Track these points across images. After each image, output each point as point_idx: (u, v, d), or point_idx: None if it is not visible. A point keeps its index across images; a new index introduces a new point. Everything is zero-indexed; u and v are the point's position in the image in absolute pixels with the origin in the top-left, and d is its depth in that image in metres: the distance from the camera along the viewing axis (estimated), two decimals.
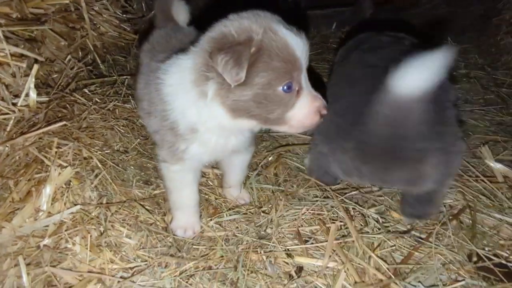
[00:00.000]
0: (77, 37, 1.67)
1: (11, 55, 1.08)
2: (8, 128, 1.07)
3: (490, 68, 2.28)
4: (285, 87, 0.86)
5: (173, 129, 0.96)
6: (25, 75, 1.11)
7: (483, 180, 1.31)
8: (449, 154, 1.02)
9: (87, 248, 0.93)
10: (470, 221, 1.17)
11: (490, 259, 1.05)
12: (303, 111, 0.90)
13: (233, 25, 0.87)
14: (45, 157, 1.04)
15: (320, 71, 2.33)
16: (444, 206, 1.23)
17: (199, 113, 0.92)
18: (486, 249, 1.09)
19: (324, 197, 1.24)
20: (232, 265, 1.01)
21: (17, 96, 1.14)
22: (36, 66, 1.08)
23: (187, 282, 0.94)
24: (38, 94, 1.16)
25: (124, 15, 2.15)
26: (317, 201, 1.21)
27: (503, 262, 1.05)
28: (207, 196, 1.26)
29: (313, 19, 3.19)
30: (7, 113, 1.07)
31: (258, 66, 0.83)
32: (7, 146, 1.03)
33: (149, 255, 0.99)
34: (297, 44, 0.85)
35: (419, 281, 0.98)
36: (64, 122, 1.11)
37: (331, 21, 3.16)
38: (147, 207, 1.15)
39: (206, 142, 0.98)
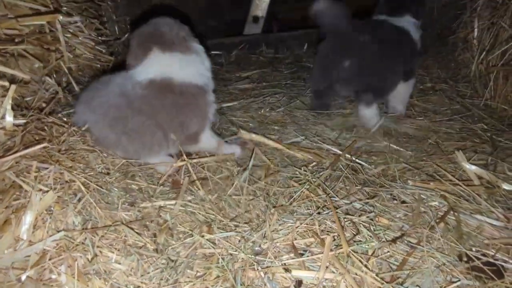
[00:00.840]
0: (52, 59, 1.61)
1: None
2: None
3: (452, 81, 2.46)
4: None
5: None
6: (1, 96, 1.05)
7: (460, 184, 1.38)
8: None
9: (74, 278, 0.86)
10: (456, 223, 1.22)
11: (478, 259, 1.08)
12: None
13: None
14: (24, 181, 0.97)
15: (297, 88, 2.40)
16: (430, 210, 1.28)
17: None
18: (474, 249, 1.14)
19: (317, 207, 1.25)
20: (230, 284, 0.97)
21: None
22: (13, 87, 1.02)
23: None
24: (14, 117, 1.10)
25: (99, 37, 2.12)
26: (311, 214, 1.21)
27: (491, 260, 1.09)
28: (197, 214, 1.22)
29: (285, 41, 3.32)
30: None
31: None
32: None
33: (142, 280, 0.93)
34: None
35: (417, 285, 1.00)
36: (44, 144, 1.05)
37: (302, 42, 3.31)
38: (135, 230, 1.10)
39: None
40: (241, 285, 0.97)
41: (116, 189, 1.23)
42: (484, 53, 2.21)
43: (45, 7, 1.51)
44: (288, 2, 4.50)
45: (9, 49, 1.20)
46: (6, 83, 0.99)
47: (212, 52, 3.27)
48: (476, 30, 2.39)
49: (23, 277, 0.82)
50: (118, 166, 1.31)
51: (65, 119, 1.37)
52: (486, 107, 2.12)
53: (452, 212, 1.26)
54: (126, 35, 2.97)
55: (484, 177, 1.43)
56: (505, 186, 1.38)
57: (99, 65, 2.12)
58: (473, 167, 1.45)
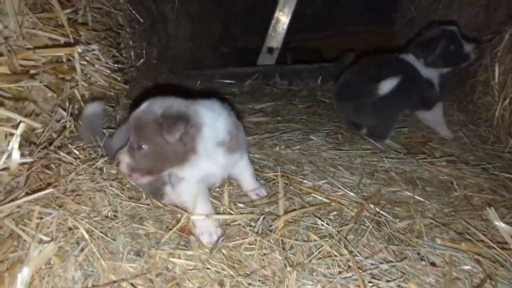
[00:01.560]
0: (66, 88, 1.57)
1: None
2: None
3: (473, 125, 2.38)
4: None
5: None
6: (9, 134, 0.98)
7: (495, 247, 1.26)
8: None
9: None
10: None
11: None
12: None
13: None
14: (24, 231, 0.88)
15: (313, 124, 2.34)
16: (464, 276, 1.16)
17: None
18: None
19: (338, 266, 1.13)
20: None
21: None
22: (22, 126, 0.96)
23: None
24: (21, 155, 1.02)
25: (116, 65, 2.09)
26: (332, 275, 1.09)
27: None
28: (208, 268, 1.11)
29: (300, 73, 3.30)
30: None
31: None
32: None
33: None
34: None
35: None
36: (50, 190, 0.97)
37: (317, 75, 3.28)
38: (139, 287, 0.99)
39: None
40: None
41: (122, 236, 1.13)
42: (507, 99, 2.14)
43: (65, 37, 1.48)
44: (301, 33, 4.58)
45: (23, 82, 1.14)
46: (17, 117, 0.92)
47: (225, 81, 3.26)
48: (497, 74, 2.33)
49: None
50: (127, 208, 1.22)
51: (76, 152, 1.30)
52: (501, 156, 2.02)
53: (489, 280, 1.14)
54: (141, 61, 2.98)
55: None
56: None
57: (113, 93, 2.08)
58: (508, 227, 1.34)
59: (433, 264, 1.22)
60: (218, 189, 1.52)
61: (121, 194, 1.28)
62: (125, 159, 1.14)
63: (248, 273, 1.12)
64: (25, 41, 1.21)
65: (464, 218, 1.44)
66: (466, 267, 1.21)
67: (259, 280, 1.10)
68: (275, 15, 3.56)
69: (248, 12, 5.06)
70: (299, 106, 2.65)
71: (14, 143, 0.96)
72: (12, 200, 0.89)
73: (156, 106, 1.19)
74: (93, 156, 1.41)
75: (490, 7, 3.02)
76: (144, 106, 1.21)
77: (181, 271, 1.08)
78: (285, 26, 3.60)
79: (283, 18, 3.65)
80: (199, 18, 4.22)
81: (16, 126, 0.95)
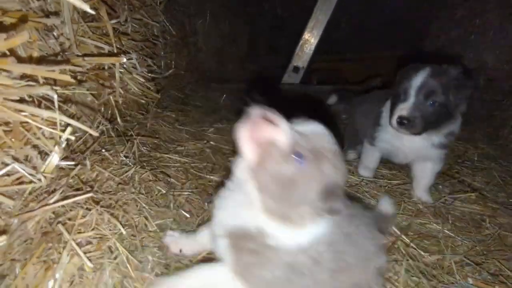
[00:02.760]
0: (105, 94, 1.61)
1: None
2: (25, 197, 0.93)
3: (502, 160, 2.32)
4: None
5: None
6: (50, 137, 1.00)
7: None
8: None
9: None
10: None
11: None
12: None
13: None
14: (58, 237, 0.89)
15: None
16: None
17: None
18: None
19: None
20: None
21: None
22: (69, 129, 0.98)
23: None
24: (63, 158, 1.05)
25: (150, 74, 2.15)
26: None
27: None
28: None
29: (324, 93, 3.31)
30: (31, 181, 0.93)
31: None
32: (19, 219, 0.88)
33: None
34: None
35: None
36: (91, 194, 0.98)
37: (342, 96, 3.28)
38: None
39: None
40: None
41: (151, 246, 1.13)
42: None
43: (109, 45, 1.53)
44: (326, 55, 4.62)
45: (71, 88, 1.19)
46: (68, 120, 0.94)
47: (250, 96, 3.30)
48: None
49: None
50: (156, 222, 1.22)
51: (111, 162, 1.32)
52: None
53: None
54: (171, 71, 3.05)
55: None
56: None
57: (144, 101, 2.13)
58: None
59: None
60: None
61: (149, 204, 1.29)
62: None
63: None
64: (77, 49, 1.26)
65: (497, 258, 1.38)
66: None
67: None
68: (304, 36, 3.61)
69: (275, 32, 5.17)
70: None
71: (60, 145, 0.98)
72: (54, 203, 0.90)
73: None
74: (124, 162, 1.43)
75: None
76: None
77: None
78: (313, 47, 3.65)
79: (311, 39, 3.69)
80: (227, 35, 4.32)
81: (63, 130, 0.98)
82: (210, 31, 3.88)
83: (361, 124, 2.04)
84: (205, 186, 1.62)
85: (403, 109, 1.47)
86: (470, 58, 3.35)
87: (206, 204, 1.43)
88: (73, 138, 1.02)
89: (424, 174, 1.75)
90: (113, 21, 1.66)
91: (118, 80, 1.60)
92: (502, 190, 1.97)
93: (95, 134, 1.09)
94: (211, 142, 2.10)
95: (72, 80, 0.96)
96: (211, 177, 1.71)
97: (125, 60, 1.41)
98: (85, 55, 1.30)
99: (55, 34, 1.20)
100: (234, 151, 2.02)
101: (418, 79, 1.47)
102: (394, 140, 1.71)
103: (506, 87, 2.73)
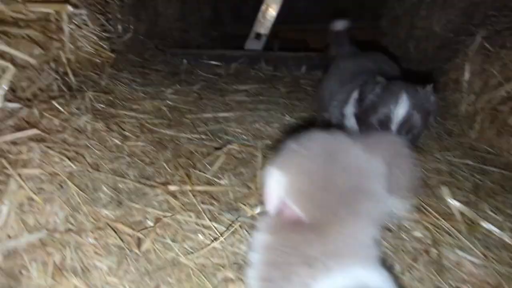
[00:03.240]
0: (53, 47, 1.59)
1: None
2: None
3: (441, 118, 2.56)
4: None
5: None
6: None
7: (442, 219, 1.41)
8: None
9: (46, 274, 0.83)
10: (437, 257, 1.24)
11: None
12: None
13: None
14: (5, 167, 0.93)
15: (293, 106, 2.44)
16: (414, 240, 1.30)
17: None
18: (451, 282, 1.15)
19: None
20: None
21: None
22: (12, 69, 1.00)
23: None
24: (8, 101, 1.07)
25: (103, 33, 2.11)
26: None
27: None
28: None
29: (286, 60, 3.39)
30: None
31: None
32: None
33: (121, 282, 0.90)
34: None
35: None
36: (36, 131, 1.02)
37: (302, 64, 3.38)
38: (119, 231, 1.06)
39: None
40: None
41: (104, 187, 1.20)
42: (473, 96, 2.31)
43: None
44: (288, 23, 4.66)
45: (12, 32, 1.18)
46: (8, 64, 0.96)
47: (212, 62, 3.31)
48: (466, 73, 2.50)
49: None
50: (109, 166, 1.28)
51: (59, 108, 1.34)
52: (472, 148, 2.20)
53: (435, 245, 1.29)
54: (128, 35, 2.98)
55: (466, 214, 1.47)
56: (484, 225, 1.42)
57: (99, 61, 2.10)
58: (457, 204, 1.49)
59: (388, 229, 1.36)
60: None
61: (104, 151, 1.34)
62: None
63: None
64: None
65: (420, 195, 1.58)
66: (417, 234, 1.35)
67: None
68: (265, 2, 3.62)
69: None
70: (281, 90, 2.74)
71: (2, 85, 1.00)
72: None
73: None
74: (75, 113, 1.45)
75: (468, 10, 3.20)
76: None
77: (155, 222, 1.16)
78: (274, 14, 3.67)
79: (273, 6, 3.71)
80: (190, 1, 4.22)
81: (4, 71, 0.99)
82: None
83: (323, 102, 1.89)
84: (161, 140, 1.69)
85: None
86: (421, 27, 3.57)
87: None
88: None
89: None
90: None
91: (66, 32, 1.58)
92: (437, 143, 2.20)
93: (32, 61, 1.11)
94: (169, 102, 2.14)
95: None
96: (168, 132, 1.77)
97: (71, 9, 1.39)
98: (26, 1, 1.28)
99: None
100: (191, 111, 2.10)
101: (399, 112, 1.29)
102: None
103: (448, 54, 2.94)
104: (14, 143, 0.99)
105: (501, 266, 1.23)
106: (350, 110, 1.51)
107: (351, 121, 1.51)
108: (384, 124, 1.29)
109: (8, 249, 0.85)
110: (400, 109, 1.27)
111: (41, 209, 0.94)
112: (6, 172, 0.92)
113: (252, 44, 3.76)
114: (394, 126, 1.29)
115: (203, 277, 0.98)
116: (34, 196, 0.94)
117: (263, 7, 3.65)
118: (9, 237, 0.86)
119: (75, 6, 1.78)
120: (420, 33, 3.62)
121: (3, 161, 0.93)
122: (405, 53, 3.68)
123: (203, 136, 1.78)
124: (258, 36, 3.74)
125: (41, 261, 0.84)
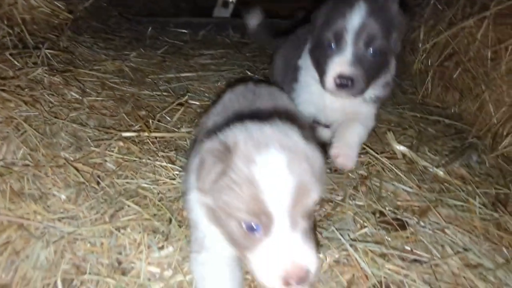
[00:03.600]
0: (4, 4, 1.57)
1: None
2: None
3: (398, 78, 2.71)
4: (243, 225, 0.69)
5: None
6: None
7: (383, 158, 1.56)
8: None
9: (5, 199, 0.89)
10: (378, 188, 1.38)
11: (390, 215, 1.26)
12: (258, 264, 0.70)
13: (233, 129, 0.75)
14: None
15: (256, 68, 2.51)
16: (357, 172, 1.44)
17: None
18: (387, 208, 1.31)
19: None
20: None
21: None
22: None
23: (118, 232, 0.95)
24: None
25: None
26: None
27: (399, 217, 1.27)
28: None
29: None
30: None
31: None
32: None
33: (79, 208, 0.97)
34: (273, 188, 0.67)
35: (337, 229, 1.14)
36: None
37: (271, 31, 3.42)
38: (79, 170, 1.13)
39: None
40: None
41: (63, 133, 1.25)
42: (424, 54, 2.46)
43: None
44: None
45: None
46: None
47: (178, 30, 3.28)
48: (421, 34, 2.64)
49: None
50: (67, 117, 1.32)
51: (12, 60, 1.35)
52: (423, 103, 2.36)
53: (375, 178, 1.43)
54: (90, 1, 2.90)
55: (407, 155, 1.62)
56: (422, 163, 1.58)
57: (56, 21, 2.07)
58: (401, 147, 1.63)
59: (335, 170, 1.49)
60: None
61: (60, 104, 1.38)
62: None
63: None
64: None
65: (368, 141, 1.72)
66: (360, 172, 1.49)
67: None
68: None
69: None
70: (246, 55, 2.79)
71: None
72: None
73: None
74: (31, 66, 1.46)
75: None
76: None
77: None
78: None
79: None
80: None
81: None
82: None
83: (278, 76, 1.71)
84: (122, 96, 1.72)
85: (342, 63, 1.12)
86: None
87: None
88: None
89: (352, 135, 1.36)
90: None
91: None
92: (391, 100, 2.34)
93: None
94: (132, 64, 2.15)
95: None
96: (129, 89, 1.80)
97: None
98: None
99: None
100: (154, 72, 2.13)
101: (355, 20, 1.12)
102: (317, 101, 1.39)
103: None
104: None
105: (431, 194, 1.39)
106: (303, 59, 1.41)
107: (305, 70, 1.39)
108: (340, 37, 1.13)
109: None
110: (355, 16, 1.12)
111: None
112: None
113: (220, 12, 3.75)
114: (350, 37, 1.12)
115: (161, 205, 1.07)
116: None
117: None
118: None
119: None
120: None
121: None
122: None
123: (165, 93, 1.83)
124: (226, 4, 3.72)
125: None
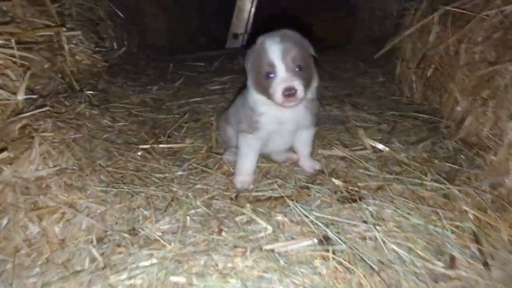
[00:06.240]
0: (57, 61, 2.16)
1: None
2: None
3: (388, 82, 2.96)
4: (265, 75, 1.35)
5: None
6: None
7: (357, 150, 1.84)
8: None
9: (61, 188, 1.35)
10: (344, 174, 1.67)
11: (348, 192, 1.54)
12: (274, 90, 1.34)
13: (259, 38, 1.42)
14: (31, 132, 1.48)
15: None
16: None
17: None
18: (350, 188, 1.58)
19: None
20: None
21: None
22: (29, 72, 1.55)
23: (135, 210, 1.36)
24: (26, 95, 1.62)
25: (97, 48, 2.68)
26: None
27: (354, 195, 1.54)
28: None
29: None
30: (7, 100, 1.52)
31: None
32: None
33: (107, 195, 1.41)
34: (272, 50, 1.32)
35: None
36: (47, 108, 1.57)
37: None
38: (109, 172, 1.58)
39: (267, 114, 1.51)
40: None
41: (98, 149, 1.72)
42: (404, 60, 2.71)
43: (54, 23, 2.07)
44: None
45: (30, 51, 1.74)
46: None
47: (196, 63, 3.84)
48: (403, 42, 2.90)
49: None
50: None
51: (66, 103, 1.90)
52: (407, 103, 2.59)
53: (345, 168, 1.72)
54: (123, 49, 3.55)
55: (376, 147, 1.89)
56: (387, 150, 1.84)
57: (95, 70, 2.67)
58: (370, 140, 1.91)
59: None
60: None
61: (99, 127, 1.88)
62: (300, 86, 1.34)
63: None
64: (27, 24, 1.80)
65: (342, 138, 2.02)
66: (335, 166, 1.78)
67: None
68: (237, 4, 4.13)
69: (222, 5, 5.64)
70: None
71: (24, 83, 1.55)
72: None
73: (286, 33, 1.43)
74: (76, 104, 1.99)
75: None
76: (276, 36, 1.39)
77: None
78: (247, 14, 4.17)
79: (246, 7, 4.21)
80: (174, 11, 4.79)
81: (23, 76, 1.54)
82: (156, 10, 4.37)
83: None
84: (144, 120, 2.21)
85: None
86: (380, 8, 3.97)
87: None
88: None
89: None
90: (55, 5, 2.19)
91: (66, 49, 2.14)
92: (377, 102, 2.61)
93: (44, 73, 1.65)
94: (153, 96, 2.67)
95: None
96: (150, 115, 2.30)
97: (64, 29, 1.95)
98: (34, 28, 1.84)
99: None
100: (170, 100, 2.62)
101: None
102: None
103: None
104: (35, 117, 1.53)
105: (389, 175, 1.64)
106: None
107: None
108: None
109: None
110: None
111: (56, 157, 1.47)
112: (32, 135, 1.46)
113: (232, 43, 4.28)
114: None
115: (167, 187, 1.48)
116: (52, 151, 1.48)
117: (236, 10, 4.17)
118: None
119: (72, 29, 2.36)
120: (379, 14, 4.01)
121: (30, 128, 1.47)
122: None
123: (177, 116, 2.29)
124: (235, 36, 4.26)
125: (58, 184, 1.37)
